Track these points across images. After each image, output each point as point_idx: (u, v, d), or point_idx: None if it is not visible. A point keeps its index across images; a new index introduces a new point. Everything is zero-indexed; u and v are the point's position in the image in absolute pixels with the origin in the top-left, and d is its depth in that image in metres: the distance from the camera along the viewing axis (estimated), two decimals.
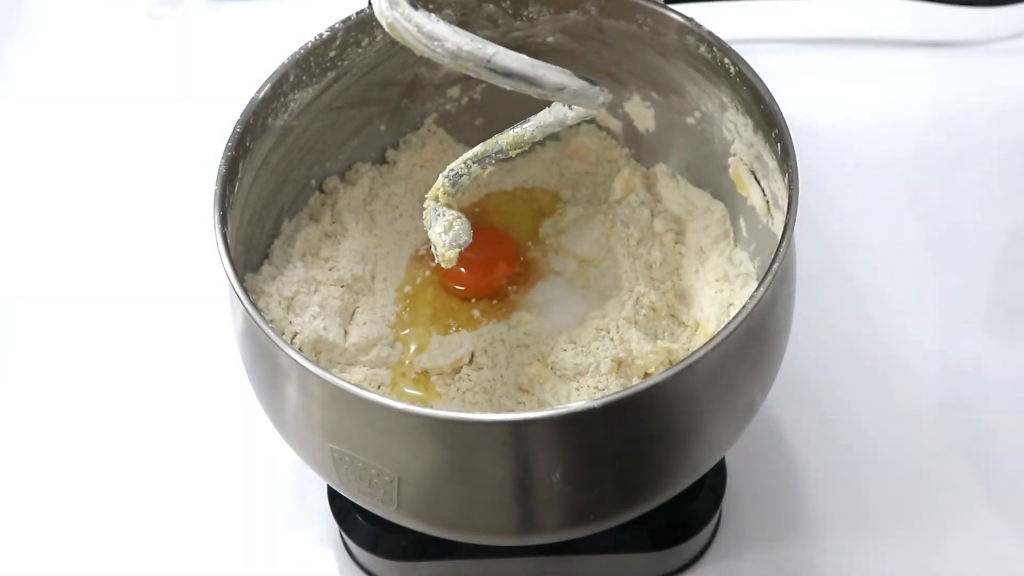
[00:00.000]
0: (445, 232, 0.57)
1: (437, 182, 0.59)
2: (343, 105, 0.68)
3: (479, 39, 0.50)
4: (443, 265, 0.58)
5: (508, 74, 0.51)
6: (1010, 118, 0.86)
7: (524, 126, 0.58)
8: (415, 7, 0.50)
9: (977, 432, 0.72)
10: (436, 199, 0.59)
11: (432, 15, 0.50)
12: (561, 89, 0.52)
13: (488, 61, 0.50)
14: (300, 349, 0.62)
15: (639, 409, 0.53)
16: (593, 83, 0.54)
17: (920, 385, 0.74)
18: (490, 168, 0.59)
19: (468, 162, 0.59)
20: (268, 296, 0.64)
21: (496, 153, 0.59)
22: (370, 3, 0.58)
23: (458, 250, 0.58)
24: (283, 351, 0.53)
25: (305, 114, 0.66)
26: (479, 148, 0.59)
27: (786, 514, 0.70)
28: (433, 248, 0.58)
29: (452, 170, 0.59)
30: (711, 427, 0.57)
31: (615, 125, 0.73)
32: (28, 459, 0.75)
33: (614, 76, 0.70)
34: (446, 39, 0.50)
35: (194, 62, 0.96)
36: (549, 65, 0.52)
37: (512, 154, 0.59)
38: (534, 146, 0.71)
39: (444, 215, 0.58)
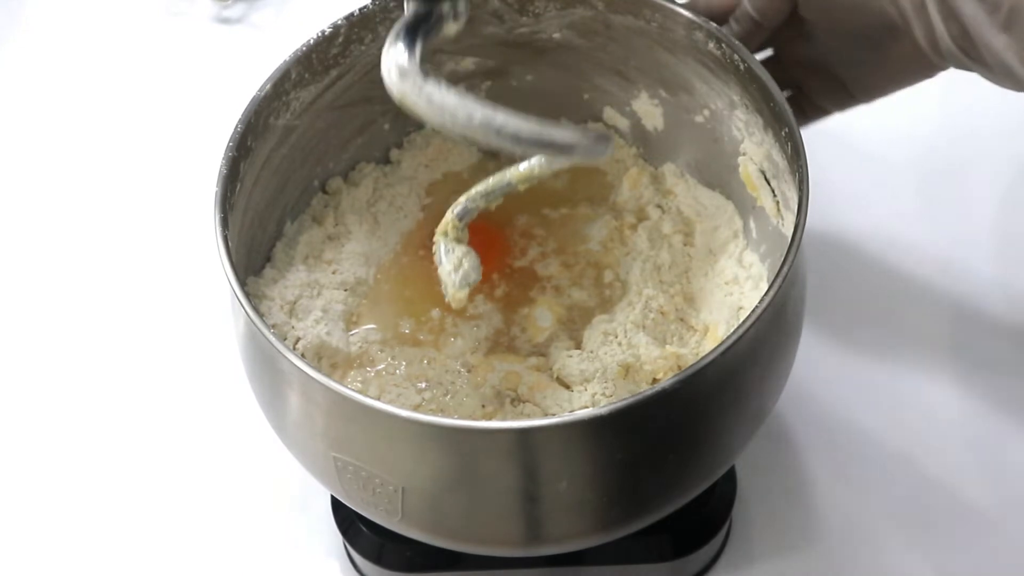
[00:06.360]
0: (455, 271, 0.58)
1: (446, 217, 0.59)
2: (346, 103, 0.67)
3: (489, 106, 0.49)
4: (453, 305, 0.59)
5: (517, 140, 0.49)
6: (1021, 119, 0.85)
7: (532, 162, 0.58)
8: (425, 77, 0.49)
9: (989, 440, 0.72)
10: (445, 234, 0.59)
11: (442, 85, 0.49)
12: (572, 147, 0.51)
13: (498, 132, 0.49)
14: (303, 355, 0.61)
15: (648, 416, 0.52)
16: (604, 137, 0.52)
17: (931, 391, 0.74)
18: (498, 201, 0.59)
19: (476, 196, 0.59)
20: (270, 300, 0.63)
21: (504, 187, 0.59)
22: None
23: (468, 289, 0.58)
24: (285, 357, 0.52)
25: (307, 113, 0.65)
26: (488, 183, 0.59)
27: (796, 523, 0.69)
28: (444, 287, 0.59)
29: (460, 205, 0.59)
30: (721, 434, 0.57)
31: (623, 124, 0.72)
32: (27, 470, 0.75)
33: (621, 73, 0.69)
34: (456, 110, 0.49)
35: (203, 63, 0.96)
36: (556, 126, 0.50)
37: (520, 188, 0.59)
38: None
39: (454, 251, 0.58)
